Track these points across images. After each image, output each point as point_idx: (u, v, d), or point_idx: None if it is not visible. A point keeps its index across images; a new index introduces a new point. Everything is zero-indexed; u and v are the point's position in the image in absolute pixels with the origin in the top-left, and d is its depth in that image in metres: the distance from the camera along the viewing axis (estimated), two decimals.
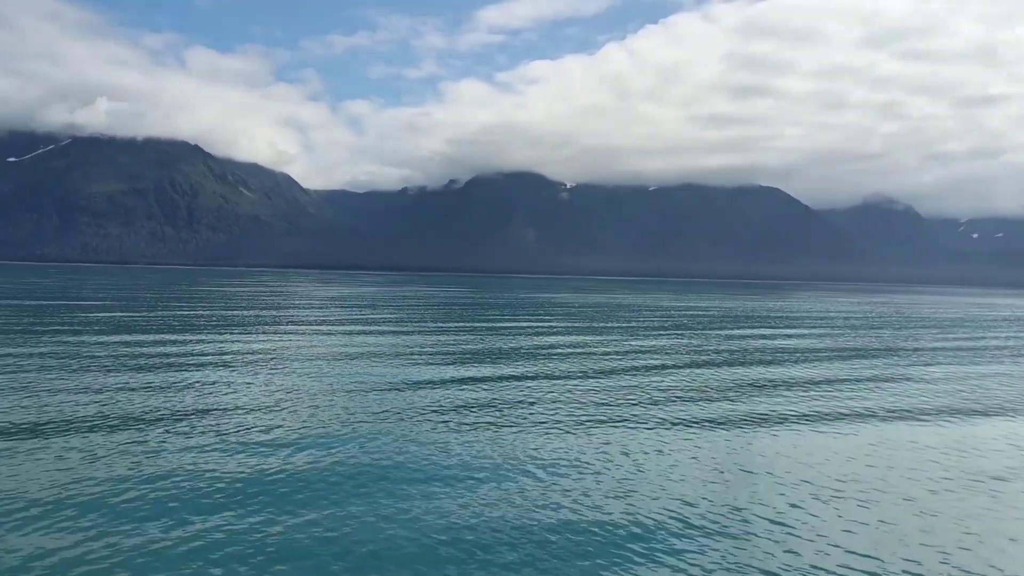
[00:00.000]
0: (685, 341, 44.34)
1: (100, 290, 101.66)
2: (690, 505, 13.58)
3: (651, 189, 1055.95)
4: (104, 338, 38.03)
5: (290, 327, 48.08)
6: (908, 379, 30.23)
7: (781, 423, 20.86)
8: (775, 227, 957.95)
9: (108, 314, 55.97)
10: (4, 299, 72.01)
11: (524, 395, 24.14)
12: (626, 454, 17.00)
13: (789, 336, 49.97)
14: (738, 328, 56.29)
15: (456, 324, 54.09)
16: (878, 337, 51.00)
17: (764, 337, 48.51)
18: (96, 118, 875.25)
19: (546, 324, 55.95)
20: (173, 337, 39.56)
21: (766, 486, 14.86)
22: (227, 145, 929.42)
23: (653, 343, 42.70)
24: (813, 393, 25.97)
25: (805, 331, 54.85)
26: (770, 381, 28.56)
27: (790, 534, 12.34)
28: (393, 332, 45.91)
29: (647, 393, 25.12)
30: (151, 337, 39.28)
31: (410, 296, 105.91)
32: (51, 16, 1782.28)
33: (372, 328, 48.53)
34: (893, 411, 22.95)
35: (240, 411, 20.36)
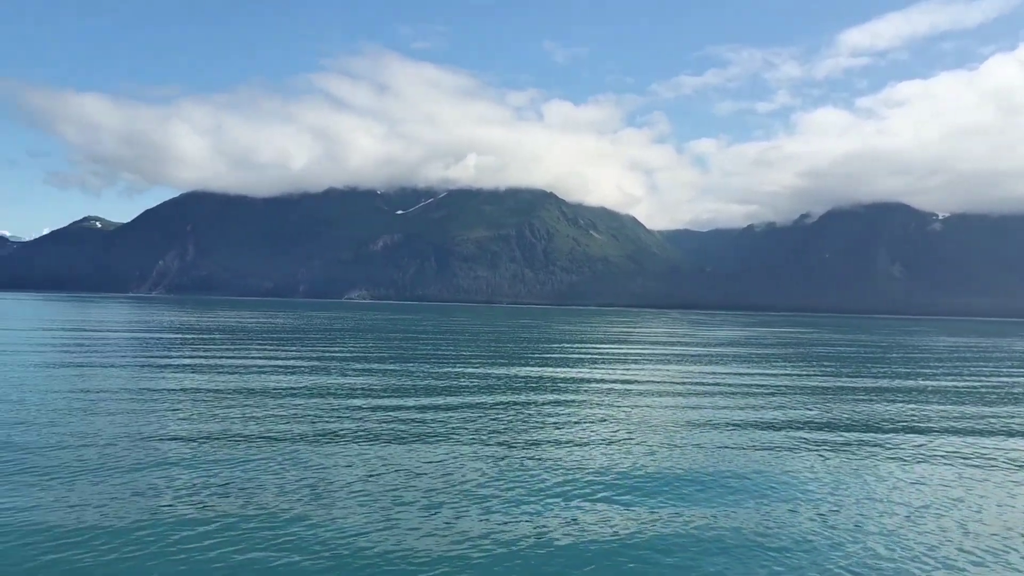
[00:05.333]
0: None
1: (498, 327, 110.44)
2: None
3: None
4: (506, 370, 39.37)
5: (680, 365, 46.23)
6: None
7: None
8: None
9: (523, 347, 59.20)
10: (419, 333, 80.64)
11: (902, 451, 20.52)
12: None
13: None
14: None
15: (832, 367, 47.96)
16: None
17: None
18: (466, 172, 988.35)
19: (954, 373, 47.33)
20: (550, 371, 39.68)
21: None
22: (578, 191, 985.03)
23: None
24: None
25: None
26: None
27: None
28: (783, 375, 41.68)
29: None
30: (530, 370, 39.83)
31: (788, 339, 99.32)
32: (432, 83, 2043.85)
33: (759, 371, 44.73)
34: None
35: (607, 443, 19.84)
